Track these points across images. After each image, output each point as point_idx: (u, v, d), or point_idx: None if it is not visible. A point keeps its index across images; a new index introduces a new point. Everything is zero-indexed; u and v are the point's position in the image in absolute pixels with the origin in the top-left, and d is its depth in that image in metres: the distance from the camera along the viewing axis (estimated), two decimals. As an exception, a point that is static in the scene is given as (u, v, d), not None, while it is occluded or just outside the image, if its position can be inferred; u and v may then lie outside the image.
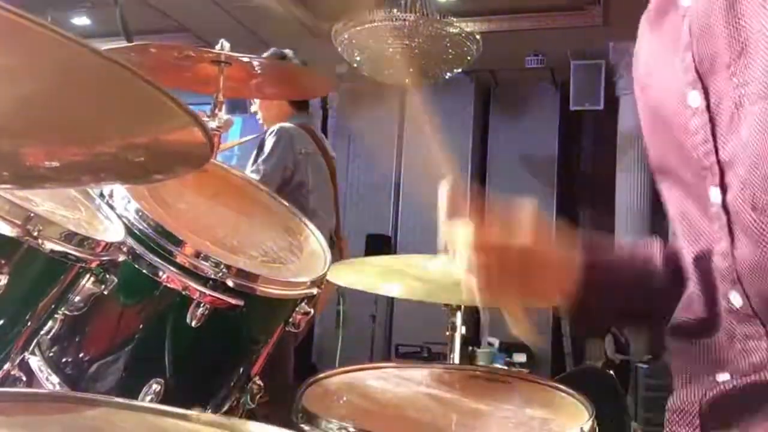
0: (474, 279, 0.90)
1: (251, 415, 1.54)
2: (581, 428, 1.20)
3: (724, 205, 0.80)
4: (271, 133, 3.11)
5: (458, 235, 0.91)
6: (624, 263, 1.04)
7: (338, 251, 3.21)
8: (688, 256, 0.89)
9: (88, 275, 1.21)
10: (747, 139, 0.75)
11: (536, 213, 0.90)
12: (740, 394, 0.80)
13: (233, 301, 1.33)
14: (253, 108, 3.41)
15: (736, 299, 0.80)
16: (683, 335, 0.90)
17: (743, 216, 0.77)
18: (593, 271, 0.96)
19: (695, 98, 0.82)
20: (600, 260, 0.99)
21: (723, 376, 0.82)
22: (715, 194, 0.81)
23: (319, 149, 3.31)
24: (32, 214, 1.02)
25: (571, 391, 1.40)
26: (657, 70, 0.92)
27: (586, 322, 1.10)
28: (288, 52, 3.25)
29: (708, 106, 0.81)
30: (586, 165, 6.71)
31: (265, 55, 3.11)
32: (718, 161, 0.79)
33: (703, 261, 0.86)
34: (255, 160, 3.10)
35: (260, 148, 3.12)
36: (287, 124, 3.17)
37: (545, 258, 0.92)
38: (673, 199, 0.92)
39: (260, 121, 3.39)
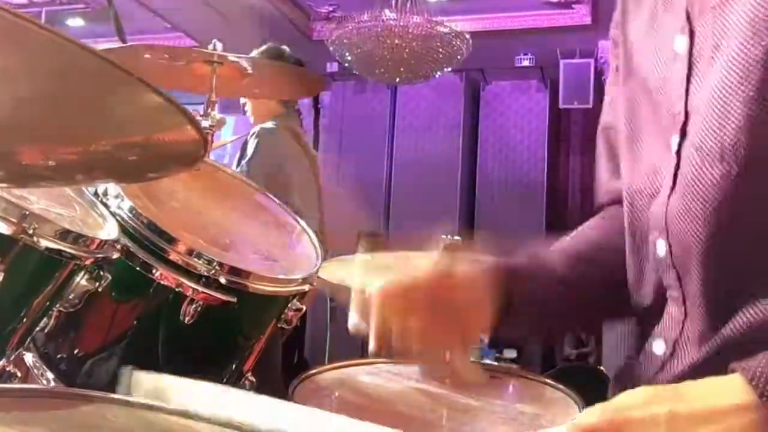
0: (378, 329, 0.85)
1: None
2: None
3: (678, 152, 0.78)
4: (253, 134, 3.12)
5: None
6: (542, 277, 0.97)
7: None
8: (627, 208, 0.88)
9: (82, 272, 1.22)
10: (716, 80, 0.72)
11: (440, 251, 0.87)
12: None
13: (226, 298, 1.34)
14: (242, 100, 3.41)
15: (662, 247, 0.80)
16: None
17: (689, 160, 0.76)
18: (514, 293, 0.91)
19: (681, 43, 0.79)
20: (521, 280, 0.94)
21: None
22: (675, 142, 0.79)
23: (301, 148, 3.32)
24: (27, 212, 1.03)
25: (561, 386, 1.41)
26: (644, 37, 0.88)
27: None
28: (284, 48, 3.26)
29: (691, 51, 0.78)
30: (575, 162, 6.74)
31: (261, 49, 3.12)
32: (686, 107, 0.77)
33: (640, 210, 0.85)
34: (239, 162, 3.10)
35: (243, 149, 3.13)
36: (268, 125, 3.18)
37: (453, 295, 0.88)
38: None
39: (251, 119, 3.39)
